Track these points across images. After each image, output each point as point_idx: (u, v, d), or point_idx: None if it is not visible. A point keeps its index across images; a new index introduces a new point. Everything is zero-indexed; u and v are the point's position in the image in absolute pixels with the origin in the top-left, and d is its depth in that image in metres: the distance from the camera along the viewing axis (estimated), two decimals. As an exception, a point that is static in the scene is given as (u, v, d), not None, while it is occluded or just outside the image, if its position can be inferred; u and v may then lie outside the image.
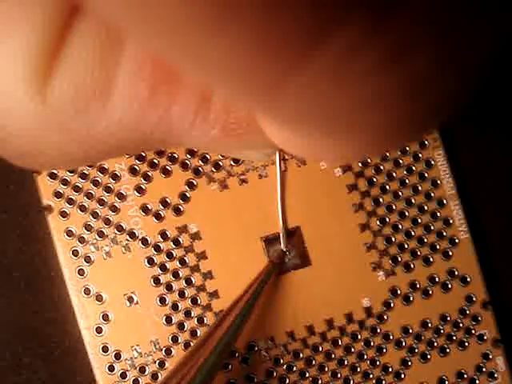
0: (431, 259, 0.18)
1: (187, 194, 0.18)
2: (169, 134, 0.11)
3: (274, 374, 0.18)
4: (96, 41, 0.09)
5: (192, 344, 0.17)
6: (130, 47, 0.10)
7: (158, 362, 0.17)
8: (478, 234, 0.18)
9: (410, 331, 0.18)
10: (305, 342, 0.18)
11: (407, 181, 0.18)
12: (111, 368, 0.17)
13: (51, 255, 0.17)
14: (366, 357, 0.18)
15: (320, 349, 0.18)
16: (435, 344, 0.18)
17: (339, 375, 0.18)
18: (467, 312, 0.18)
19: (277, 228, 0.18)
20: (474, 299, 0.18)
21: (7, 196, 0.18)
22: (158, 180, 0.17)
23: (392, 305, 0.18)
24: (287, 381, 0.18)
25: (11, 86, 0.10)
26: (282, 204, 0.17)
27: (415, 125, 0.09)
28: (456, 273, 0.18)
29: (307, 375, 0.18)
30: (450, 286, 0.18)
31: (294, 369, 0.18)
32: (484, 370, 0.18)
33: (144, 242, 0.17)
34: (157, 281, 0.17)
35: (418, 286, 0.18)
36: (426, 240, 0.18)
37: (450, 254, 0.18)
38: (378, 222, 0.18)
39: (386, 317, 0.18)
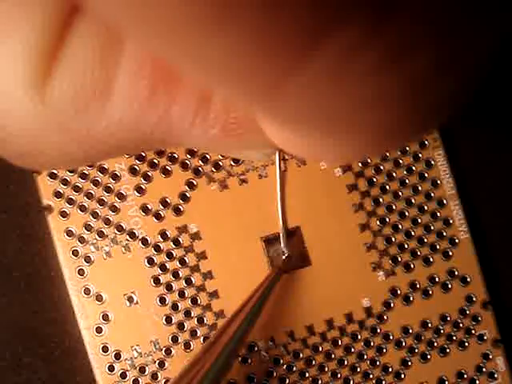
0: (431, 259, 0.18)
1: (187, 194, 0.17)
2: (169, 134, 0.11)
3: (274, 374, 0.18)
4: (96, 41, 0.09)
5: (192, 344, 0.17)
6: (130, 47, 0.10)
7: (157, 362, 0.17)
8: (478, 234, 0.18)
9: (410, 331, 0.18)
10: (305, 342, 0.18)
11: (407, 181, 0.18)
12: (111, 368, 0.17)
13: (51, 255, 0.17)
14: (365, 357, 0.18)
15: (320, 349, 0.18)
16: (435, 344, 0.18)
17: (339, 375, 0.18)
18: (467, 312, 0.18)
19: (277, 228, 0.18)
20: (474, 299, 0.18)
21: (7, 196, 0.18)
22: (158, 180, 0.17)
23: (392, 305, 0.18)
24: (287, 381, 0.18)
25: (11, 86, 0.10)
26: (281, 204, 0.17)
27: (415, 125, 0.09)
28: (456, 273, 0.18)
29: (307, 375, 0.18)
30: (449, 286, 0.18)
31: (294, 369, 0.18)
32: (484, 370, 0.18)
33: (144, 242, 0.17)
34: (157, 281, 0.17)
35: (418, 286, 0.18)
36: (426, 240, 0.18)
37: (450, 254, 0.18)
38: (378, 222, 0.18)
39: (385, 317, 0.18)
